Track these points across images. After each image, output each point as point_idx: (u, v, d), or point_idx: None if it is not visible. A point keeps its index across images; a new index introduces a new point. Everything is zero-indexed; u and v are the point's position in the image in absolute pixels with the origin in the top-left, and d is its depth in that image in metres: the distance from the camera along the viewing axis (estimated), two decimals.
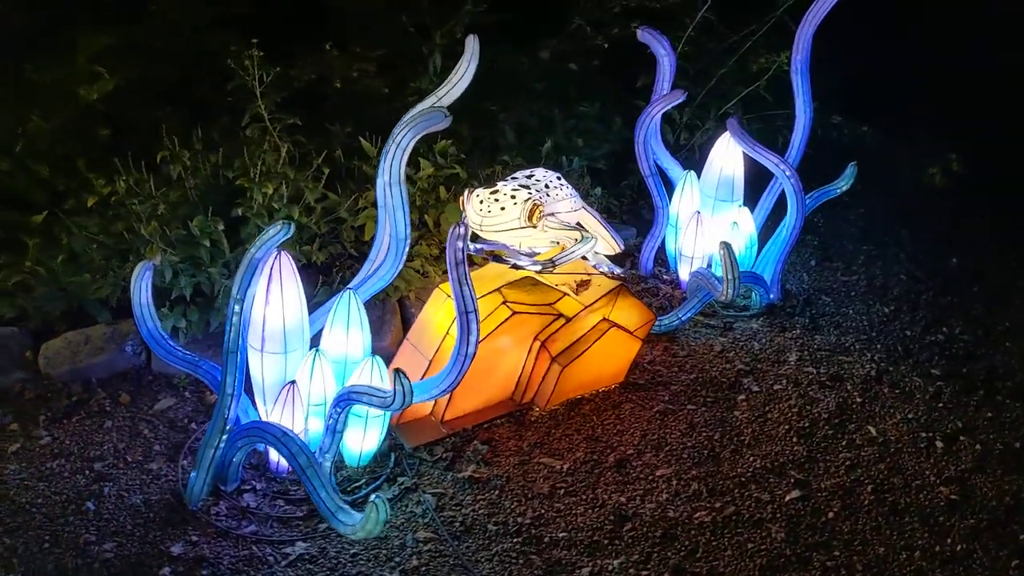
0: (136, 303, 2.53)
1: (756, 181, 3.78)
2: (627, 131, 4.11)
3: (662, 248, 3.93)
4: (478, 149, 4.01)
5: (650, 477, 2.80)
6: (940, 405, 3.22)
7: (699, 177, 3.74)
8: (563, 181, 3.19)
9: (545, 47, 4.43)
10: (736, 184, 3.72)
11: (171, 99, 3.82)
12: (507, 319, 2.88)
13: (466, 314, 2.50)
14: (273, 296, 2.52)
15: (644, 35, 3.51)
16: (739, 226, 3.67)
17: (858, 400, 3.22)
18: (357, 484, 2.67)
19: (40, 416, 2.90)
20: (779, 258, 3.74)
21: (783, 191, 3.62)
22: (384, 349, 3.10)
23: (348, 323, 2.66)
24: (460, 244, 2.47)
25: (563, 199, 3.14)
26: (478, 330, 2.56)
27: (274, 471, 2.68)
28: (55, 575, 2.33)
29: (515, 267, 2.95)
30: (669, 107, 3.62)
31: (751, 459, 2.90)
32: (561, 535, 2.55)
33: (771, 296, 3.77)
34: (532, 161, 3.82)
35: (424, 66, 3.93)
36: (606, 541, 2.54)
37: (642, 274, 3.94)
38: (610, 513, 2.64)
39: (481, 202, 2.93)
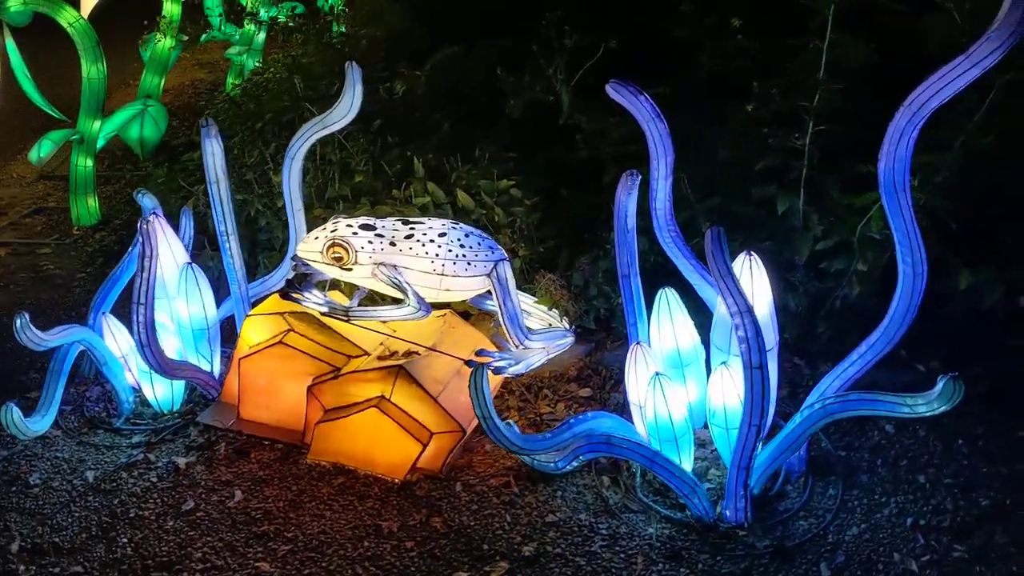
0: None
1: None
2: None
3: None
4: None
5: (250, 560, 2.47)
6: None
7: None
8: (450, 241, 2.76)
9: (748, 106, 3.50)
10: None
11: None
12: (273, 344, 2.83)
13: (134, 304, 2.70)
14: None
15: (613, 91, 2.57)
16: (665, 379, 2.50)
17: None
18: (138, 422, 3.11)
19: None
20: (736, 463, 2.41)
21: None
22: None
23: (187, 296, 3.07)
24: (142, 239, 2.66)
25: (418, 256, 2.75)
26: (146, 323, 2.71)
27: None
28: None
29: (286, 297, 2.81)
30: (631, 192, 2.63)
31: None
32: (123, 540, 2.56)
33: (708, 511, 2.48)
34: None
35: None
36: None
37: None
38: (164, 555, 2.49)
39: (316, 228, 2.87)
